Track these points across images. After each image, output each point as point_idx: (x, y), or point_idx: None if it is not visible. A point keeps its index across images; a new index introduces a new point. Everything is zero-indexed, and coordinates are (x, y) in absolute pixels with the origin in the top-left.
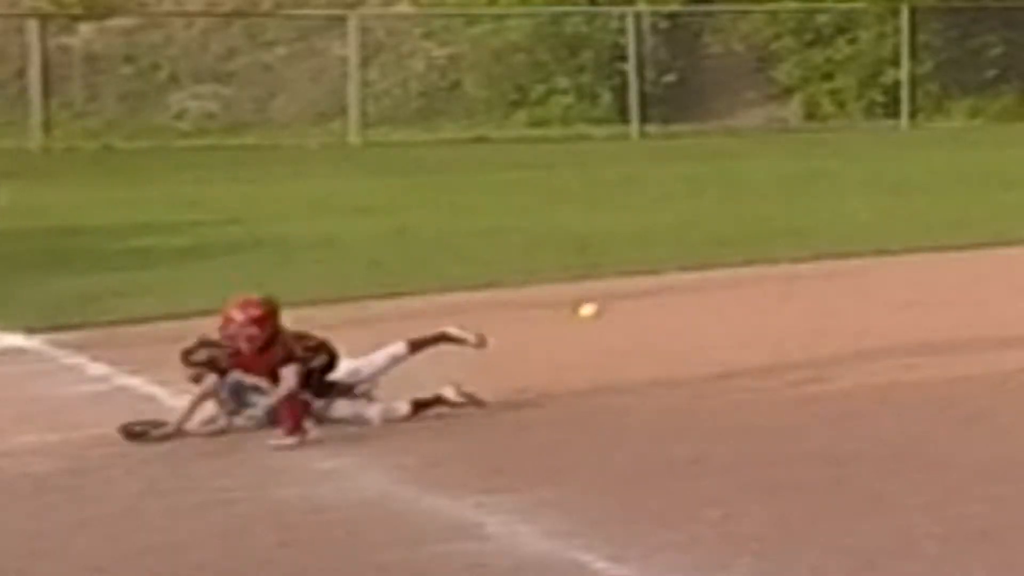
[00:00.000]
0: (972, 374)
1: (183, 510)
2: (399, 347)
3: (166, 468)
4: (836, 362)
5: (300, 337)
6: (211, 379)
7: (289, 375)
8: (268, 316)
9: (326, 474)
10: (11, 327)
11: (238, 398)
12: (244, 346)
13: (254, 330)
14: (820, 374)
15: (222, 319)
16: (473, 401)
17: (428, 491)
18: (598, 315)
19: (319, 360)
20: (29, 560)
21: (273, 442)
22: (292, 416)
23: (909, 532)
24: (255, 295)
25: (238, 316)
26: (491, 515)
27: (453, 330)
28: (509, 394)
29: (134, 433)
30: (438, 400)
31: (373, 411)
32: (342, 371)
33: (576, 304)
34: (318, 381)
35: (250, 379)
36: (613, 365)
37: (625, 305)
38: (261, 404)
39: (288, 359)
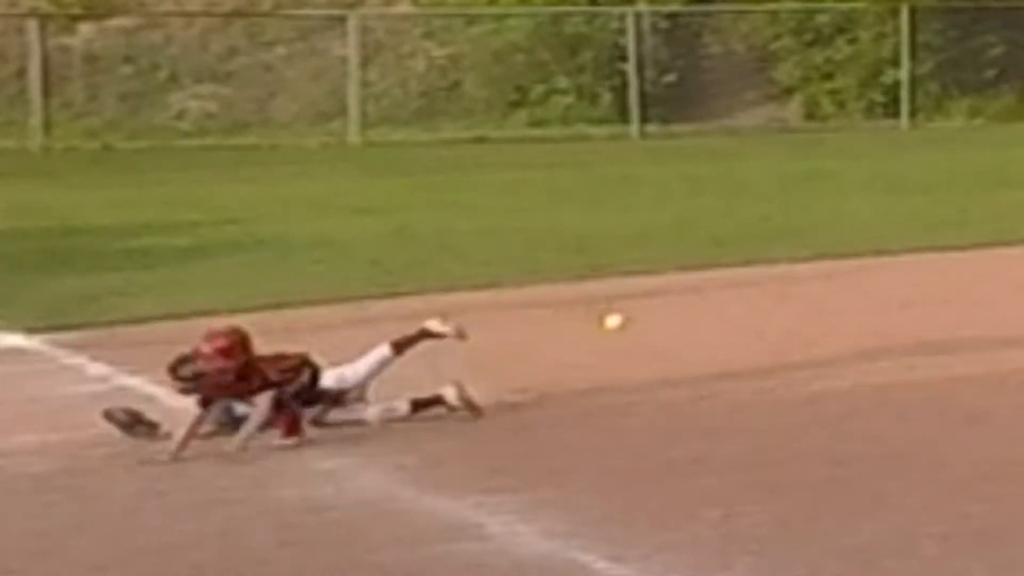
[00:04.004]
0: (972, 374)
1: (183, 510)
2: (383, 349)
3: (166, 468)
4: (836, 362)
5: (277, 359)
6: (197, 411)
7: (263, 403)
8: (235, 346)
9: (326, 474)
10: (11, 327)
11: (230, 417)
12: (217, 378)
13: (221, 362)
14: (820, 374)
15: (192, 353)
16: (471, 407)
17: (428, 491)
18: (623, 327)
19: (300, 381)
20: (29, 560)
21: (275, 442)
22: (285, 423)
23: (909, 532)
24: (221, 325)
25: (205, 349)
26: (491, 515)
27: (433, 325)
28: (509, 394)
29: (118, 421)
30: (438, 400)
31: (370, 412)
32: (329, 379)
33: (600, 315)
34: (306, 393)
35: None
36: (613, 365)
37: (625, 305)
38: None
39: (264, 386)
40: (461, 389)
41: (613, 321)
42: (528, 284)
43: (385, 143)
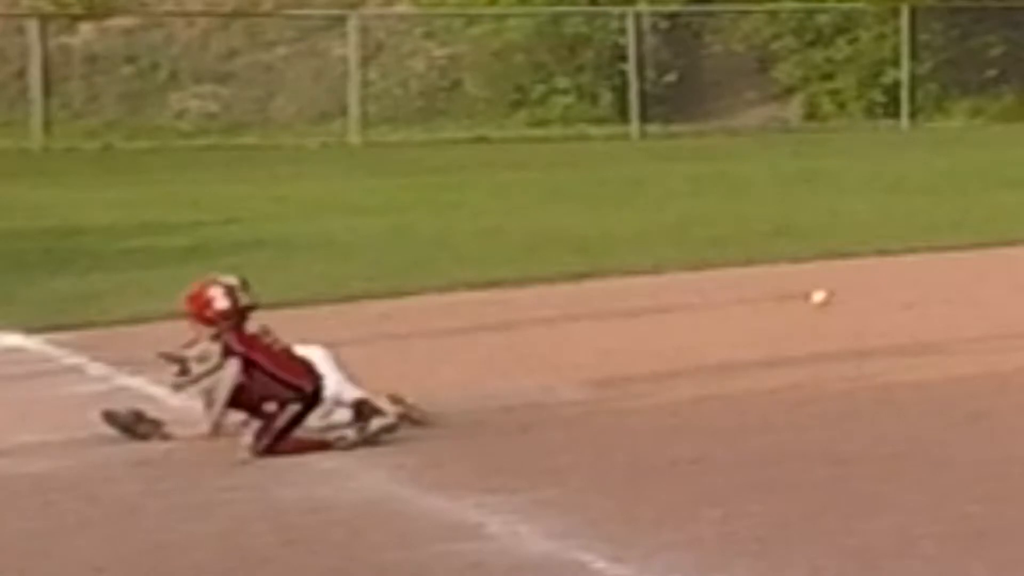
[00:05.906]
0: (972, 374)
1: (183, 510)
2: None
3: (166, 468)
4: (836, 362)
5: (290, 359)
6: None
7: (231, 368)
8: (196, 299)
9: (326, 474)
10: (11, 327)
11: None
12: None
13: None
14: (820, 374)
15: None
16: (412, 419)
17: (428, 491)
18: (827, 302)
19: (293, 409)
20: (29, 560)
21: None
22: (291, 446)
23: (909, 532)
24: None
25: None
26: (491, 515)
27: (384, 404)
28: (509, 394)
29: (120, 422)
30: (378, 411)
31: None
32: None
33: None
34: (302, 419)
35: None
36: (613, 365)
37: (625, 305)
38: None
39: (227, 352)
40: (398, 401)
41: (819, 296)
42: (528, 284)
43: (385, 143)
